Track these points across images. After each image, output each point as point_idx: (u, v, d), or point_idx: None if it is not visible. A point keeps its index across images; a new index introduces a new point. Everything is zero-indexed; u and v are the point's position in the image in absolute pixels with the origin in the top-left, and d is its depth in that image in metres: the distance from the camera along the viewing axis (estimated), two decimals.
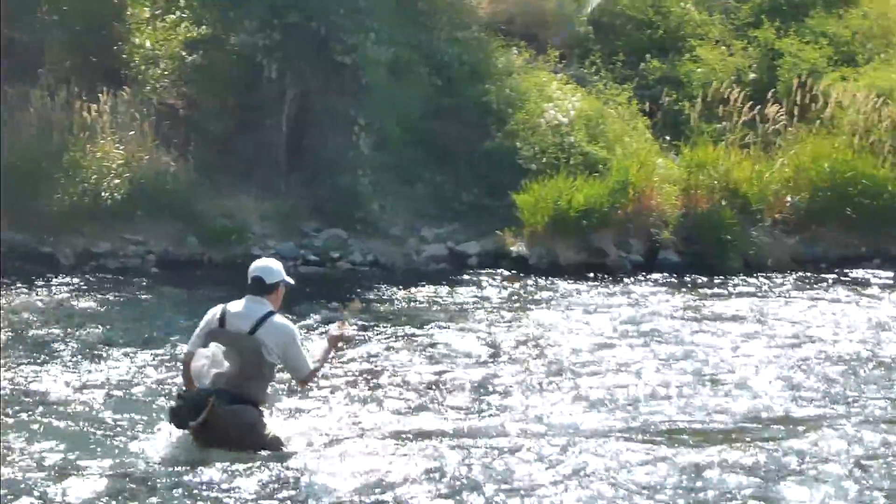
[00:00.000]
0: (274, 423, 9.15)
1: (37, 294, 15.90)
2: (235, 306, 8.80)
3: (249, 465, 8.53)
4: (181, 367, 9.12)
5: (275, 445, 8.85)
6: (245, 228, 19.21)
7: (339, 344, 9.45)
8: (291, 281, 9.14)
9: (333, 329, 9.36)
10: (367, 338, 13.61)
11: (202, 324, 8.83)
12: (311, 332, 13.23)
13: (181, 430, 8.73)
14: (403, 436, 9.63)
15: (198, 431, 8.52)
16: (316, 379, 9.46)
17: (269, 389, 8.99)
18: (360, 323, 14.52)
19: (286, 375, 9.34)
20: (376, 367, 12.21)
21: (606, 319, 14.90)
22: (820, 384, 11.62)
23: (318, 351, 9.14)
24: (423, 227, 20.24)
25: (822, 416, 10.45)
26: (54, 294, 16.01)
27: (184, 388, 8.94)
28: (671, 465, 8.83)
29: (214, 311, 8.83)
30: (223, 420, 8.44)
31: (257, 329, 8.63)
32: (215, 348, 8.53)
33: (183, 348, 9.80)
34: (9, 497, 7.90)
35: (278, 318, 8.80)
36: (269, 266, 8.98)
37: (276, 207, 19.93)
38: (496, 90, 21.30)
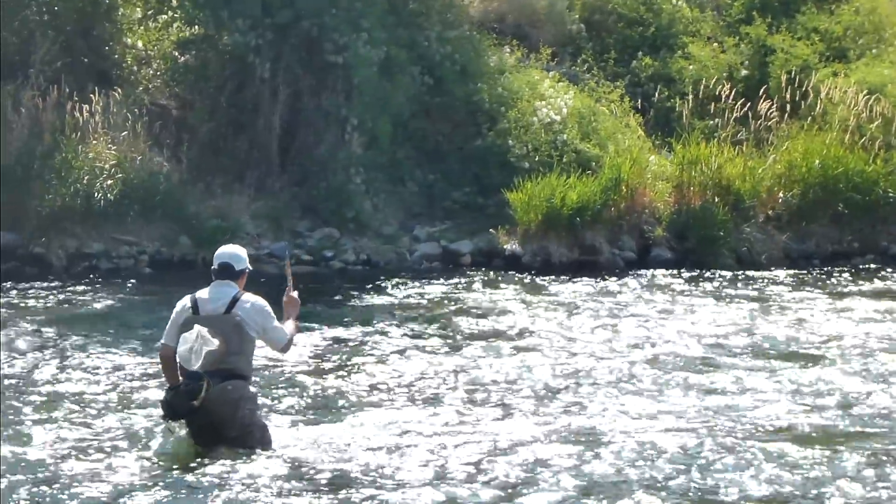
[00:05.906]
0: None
1: (29, 295, 15.88)
2: (204, 293, 8.96)
3: (251, 462, 8.57)
4: (161, 363, 9.14)
5: (260, 425, 8.97)
6: (238, 228, 19.21)
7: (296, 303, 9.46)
8: (251, 267, 9.28)
9: (285, 298, 9.40)
10: (360, 336, 13.63)
11: (173, 316, 8.92)
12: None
13: (176, 423, 8.80)
14: (397, 431, 9.65)
15: (193, 415, 8.57)
16: (293, 345, 9.45)
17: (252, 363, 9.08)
18: (355, 320, 14.56)
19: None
20: (372, 364, 12.23)
21: (596, 317, 14.92)
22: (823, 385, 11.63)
23: (289, 322, 9.20)
24: (416, 226, 20.27)
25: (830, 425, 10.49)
26: (47, 295, 16.00)
27: (168, 384, 8.95)
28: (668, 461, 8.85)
29: (184, 302, 8.95)
30: (216, 398, 8.56)
31: (232, 308, 8.77)
32: (200, 329, 8.62)
33: None
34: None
35: (251, 296, 8.98)
36: (237, 253, 9.15)
37: (268, 207, 19.94)
38: (488, 89, 21.32)
